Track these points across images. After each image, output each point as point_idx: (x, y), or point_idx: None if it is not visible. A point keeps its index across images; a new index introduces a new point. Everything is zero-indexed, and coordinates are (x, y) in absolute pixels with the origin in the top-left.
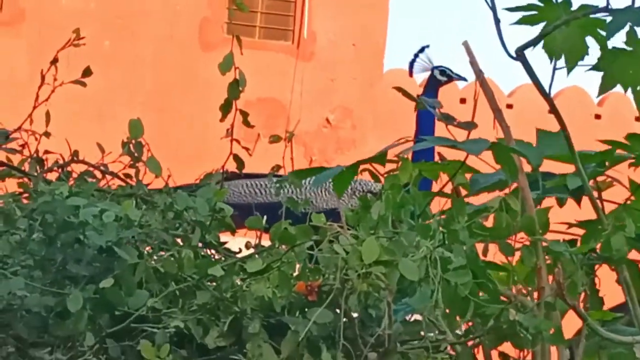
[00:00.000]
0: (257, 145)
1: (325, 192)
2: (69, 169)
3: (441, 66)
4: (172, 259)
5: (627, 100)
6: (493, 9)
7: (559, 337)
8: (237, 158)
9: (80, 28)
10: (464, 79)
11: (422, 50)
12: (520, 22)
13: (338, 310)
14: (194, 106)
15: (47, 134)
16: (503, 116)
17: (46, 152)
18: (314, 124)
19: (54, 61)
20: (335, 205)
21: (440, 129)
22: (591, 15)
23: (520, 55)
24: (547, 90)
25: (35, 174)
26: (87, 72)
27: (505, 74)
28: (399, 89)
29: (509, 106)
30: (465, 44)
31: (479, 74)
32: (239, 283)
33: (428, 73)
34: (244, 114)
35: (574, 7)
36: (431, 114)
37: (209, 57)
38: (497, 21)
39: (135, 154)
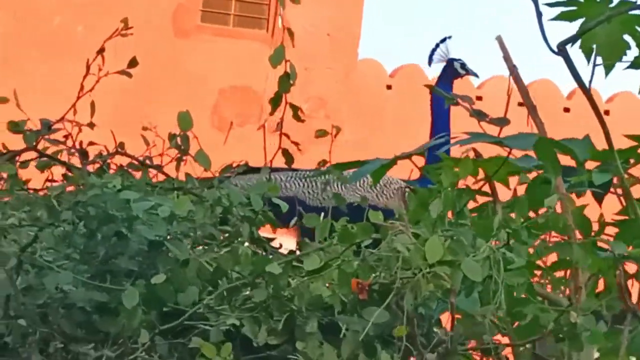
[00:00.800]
0: (230, 133)
1: (338, 185)
2: (110, 160)
3: (460, 59)
4: (228, 255)
5: (596, 95)
6: (535, 2)
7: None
8: (286, 153)
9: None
10: (477, 76)
11: (443, 40)
12: (559, 17)
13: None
14: (168, 93)
15: (91, 125)
16: (537, 112)
17: (91, 143)
18: (287, 114)
19: (101, 51)
20: (351, 198)
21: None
22: (630, 12)
23: (561, 50)
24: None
25: (79, 166)
26: (133, 63)
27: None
28: (430, 87)
29: (479, 98)
30: (499, 39)
31: (512, 69)
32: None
33: (443, 64)
34: (294, 108)
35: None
36: (445, 106)
37: (183, 44)
38: (539, 15)
39: (182, 147)
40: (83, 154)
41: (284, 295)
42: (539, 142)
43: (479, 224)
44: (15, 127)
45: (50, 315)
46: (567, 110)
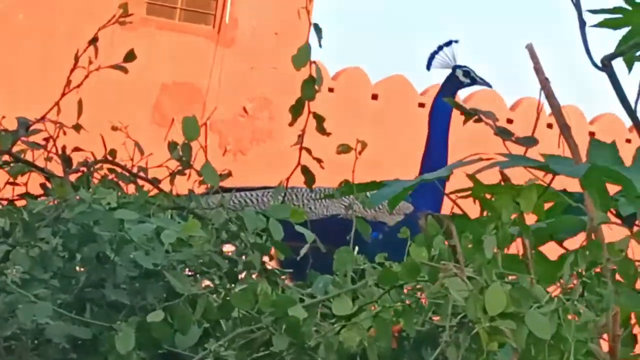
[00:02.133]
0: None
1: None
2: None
3: (465, 66)
4: (242, 292)
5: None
6: (578, 10)
7: None
8: (306, 170)
9: None
10: (489, 85)
11: (448, 44)
12: (601, 24)
13: None
14: (109, 85)
15: (77, 127)
16: (571, 133)
17: (76, 149)
18: (230, 113)
19: (93, 40)
20: (336, 211)
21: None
22: None
23: (606, 66)
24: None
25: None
26: (130, 56)
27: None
28: (453, 102)
29: (421, 105)
30: (530, 47)
31: (544, 82)
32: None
33: (448, 71)
34: (319, 119)
35: None
36: (446, 116)
37: (127, 36)
38: (582, 24)
39: (184, 158)
40: (66, 161)
41: (309, 346)
42: (591, 171)
43: (542, 269)
44: None
45: (19, 351)
46: (510, 121)
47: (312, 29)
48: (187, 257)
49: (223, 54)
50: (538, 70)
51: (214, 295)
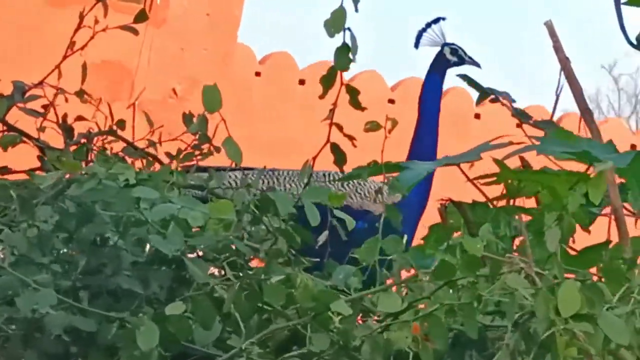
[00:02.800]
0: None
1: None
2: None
3: (453, 44)
4: (278, 284)
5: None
6: None
7: None
8: (335, 148)
9: None
10: (478, 65)
11: (436, 21)
12: (631, 2)
13: None
14: (37, 63)
15: (80, 94)
16: (593, 117)
17: (79, 117)
18: (159, 94)
19: None
20: None
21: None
22: None
23: None
24: None
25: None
26: (142, 16)
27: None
28: (466, 78)
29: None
30: (549, 25)
31: (565, 62)
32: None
33: (437, 49)
34: (353, 92)
35: None
36: (436, 98)
37: (55, 12)
38: (617, 2)
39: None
40: (67, 131)
41: (352, 345)
42: (637, 159)
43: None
44: None
45: (11, 343)
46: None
47: None
48: (207, 243)
49: (153, 34)
50: (557, 48)
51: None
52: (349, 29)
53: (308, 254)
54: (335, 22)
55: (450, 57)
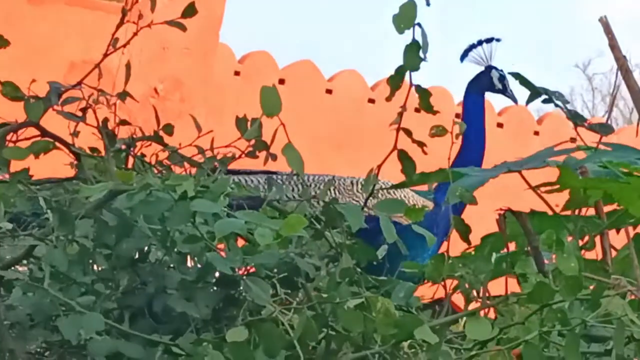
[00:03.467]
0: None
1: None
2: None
3: (502, 70)
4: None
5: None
6: None
7: None
8: (404, 156)
9: None
10: (515, 101)
11: (489, 40)
12: None
13: None
14: (16, 62)
15: (123, 95)
16: None
17: (123, 122)
18: (140, 93)
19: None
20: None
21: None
22: None
23: None
24: None
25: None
26: (190, 11)
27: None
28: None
29: (329, 91)
30: (604, 22)
31: (622, 60)
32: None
33: (480, 68)
34: (424, 94)
35: None
36: (479, 111)
37: (34, 11)
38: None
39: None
40: (109, 137)
41: None
42: None
43: None
44: (12, 91)
45: None
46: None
47: None
48: (268, 260)
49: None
50: (614, 47)
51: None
52: (419, 24)
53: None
54: (405, 18)
55: (497, 82)
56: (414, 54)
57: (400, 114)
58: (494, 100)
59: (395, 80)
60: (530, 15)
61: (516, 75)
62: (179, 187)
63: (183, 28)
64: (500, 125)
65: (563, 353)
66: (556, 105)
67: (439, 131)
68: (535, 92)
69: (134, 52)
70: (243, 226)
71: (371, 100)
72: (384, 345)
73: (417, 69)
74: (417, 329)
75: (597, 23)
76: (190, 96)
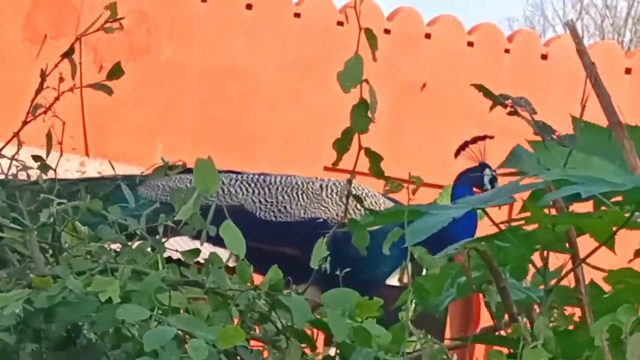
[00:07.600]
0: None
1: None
2: None
3: (494, 172)
4: None
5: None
6: None
7: None
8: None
9: None
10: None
11: (483, 138)
12: None
13: None
14: None
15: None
16: (625, 131)
17: None
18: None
19: (68, 53)
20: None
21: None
22: None
23: None
24: None
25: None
26: (116, 72)
27: None
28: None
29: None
30: (571, 25)
31: (591, 67)
32: None
33: (472, 163)
34: (375, 157)
35: None
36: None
37: None
38: None
39: None
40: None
41: None
42: None
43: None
44: None
45: None
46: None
47: None
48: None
49: None
50: (582, 52)
51: None
52: (366, 81)
53: None
54: (349, 74)
55: (487, 183)
56: (362, 116)
57: (350, 181)
58: (463, 19)
59: (342, 144)
60: None
61: (479, 87)
62: (102, 295)
63: (109, 92)
64: (470, 44)
65: None
66: (521, 117)
67: (393, 188)
68: (498, 103)
69: None
70: (174, 336)
71: (340, 23)
72: None
73: (365, 130)
74: None
75: None
76: (156, 30)
